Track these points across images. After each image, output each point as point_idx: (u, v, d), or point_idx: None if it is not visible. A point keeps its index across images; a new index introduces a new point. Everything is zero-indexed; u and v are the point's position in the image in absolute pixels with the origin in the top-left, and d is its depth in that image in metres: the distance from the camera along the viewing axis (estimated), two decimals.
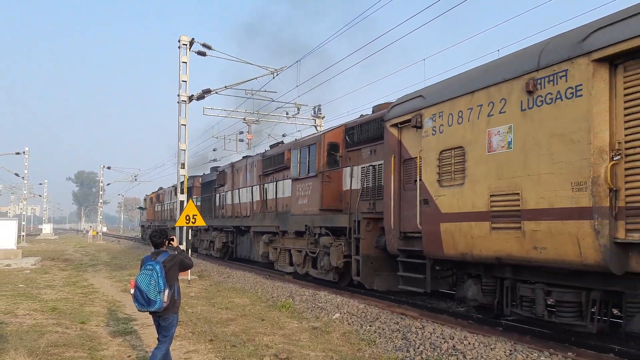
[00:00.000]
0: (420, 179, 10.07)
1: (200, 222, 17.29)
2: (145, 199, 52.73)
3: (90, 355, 7.51)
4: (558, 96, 7.22)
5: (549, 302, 8.02)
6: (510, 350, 7.20)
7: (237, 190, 22.80)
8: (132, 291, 5.77)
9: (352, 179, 13.79)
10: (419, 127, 10.10)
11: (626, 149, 6.61)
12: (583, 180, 6.77)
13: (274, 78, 21.17)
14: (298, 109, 28.15)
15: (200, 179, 30.48)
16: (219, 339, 8.54)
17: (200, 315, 10.68)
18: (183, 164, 19.07)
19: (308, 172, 15.26)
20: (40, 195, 78.20)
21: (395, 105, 11.29)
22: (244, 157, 24.02)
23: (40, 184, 77.44)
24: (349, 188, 13.79)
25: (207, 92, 20.30)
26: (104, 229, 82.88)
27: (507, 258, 8.09)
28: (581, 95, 6.89)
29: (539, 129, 7.47)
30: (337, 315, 10.45)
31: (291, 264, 16.84)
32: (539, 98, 7.52)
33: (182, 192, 19.10)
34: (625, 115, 6.61)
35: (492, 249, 8.25)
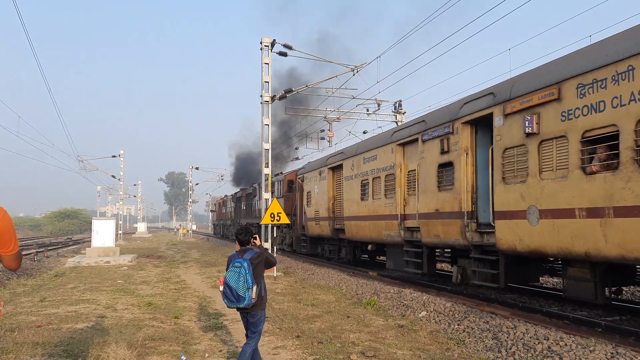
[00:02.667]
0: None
1: (285, 219, 17.57)
2: (215, 204, 67.03)
3: (184, 349, 7.80)
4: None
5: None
6: (612, 353, 6.74)
7: (257, 200, 36.49)
8: (221, 288, 5.90)
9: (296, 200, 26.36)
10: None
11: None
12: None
13: (354, 75, 21.12)
14: (378, 106, 27.96)
15: (245, 191, 43.21)
16: (305, 335, 8.61)
17: (287, 312, 10.83)
18: (267, 163, 19.44)
19: (279, 194, 29.61)
20: (134, 196, 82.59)
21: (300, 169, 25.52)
22: (274, 178, 32.79)
23: (135, 184, 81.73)
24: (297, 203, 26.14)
25: (289, 91, 20.56)
26: (194, 227, 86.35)
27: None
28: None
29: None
30: (424, 313, 10.26)
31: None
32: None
33: (266, 191, 19.47)
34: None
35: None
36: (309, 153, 32.22)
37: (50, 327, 9.15)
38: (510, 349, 7.46)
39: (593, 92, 8.30)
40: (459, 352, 7.57)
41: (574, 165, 8.64)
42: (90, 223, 28.35)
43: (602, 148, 8.25)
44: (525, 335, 7.97)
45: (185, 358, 7.16)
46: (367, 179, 17.48)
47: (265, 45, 19.15)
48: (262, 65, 19.18)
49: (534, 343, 7.50)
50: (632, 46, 7.74)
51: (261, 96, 19.33)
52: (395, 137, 15.44)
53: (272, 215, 17.28)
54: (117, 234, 38.12)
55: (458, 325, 9.17)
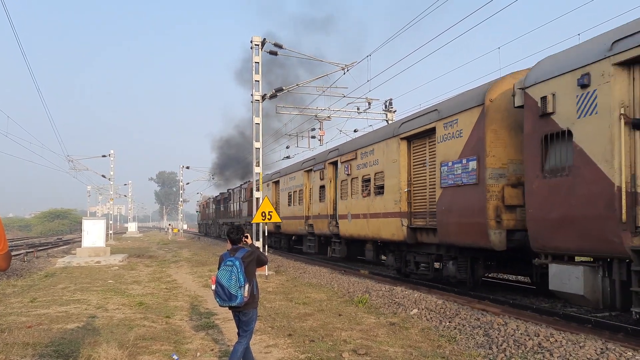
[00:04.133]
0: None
1: (276, 218, 17.57)
2: (200, 205, 76.80)
3: (175, 348, 7.79)
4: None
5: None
6: (602, 349, 6.81)
7: (233, 203, 45.36)
8: (213, 287, 5.90)
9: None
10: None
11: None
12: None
13: (344, 74, 21.11)
14: (369, 104, 27.99)
15: (223, 195, 52.75)
16: (297, 334, 8.62)
17: (279, 310, 10.84)
18: (258, 162, 19.41)
19: (244, 199, 37.95)
20: (125, 195, 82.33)
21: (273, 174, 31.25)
22: (235, 188, 45.73)
23: (125, 184, 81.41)
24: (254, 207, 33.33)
25: (280, 90, 20.53)
26: (185, 227, 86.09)
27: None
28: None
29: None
30: (415, 311, 10.30)
31: None
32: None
33: (257, 190, 19.45)
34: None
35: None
36: (299, 152, 32.16)
37: (40, 327, 9.10)
38: (501, 345, 7.51)
39: (366, 156, 17.29)
40: (450, 349, 7.61)
41: (359, 192, 17.73)
42: (81, 223, 28.24)
43: (366, 184, 17.19)
44: (516, 331, 8.02)
45: (177, 357, 7.15)
46: (291, 192, 26.28)
47: (255, 44, 19.09)
48: (252, 64, 19.13)
49: (525, 339, 7.55)
50: (373, 138, 17.11)
51: (252, 95, 19.29)
52: (303, 166, 24.36)
53: (264, 214, 17.27)
54: (107, 234, 37.93)
55: (449, 322, 9.22)
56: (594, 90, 8.29)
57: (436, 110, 13.05)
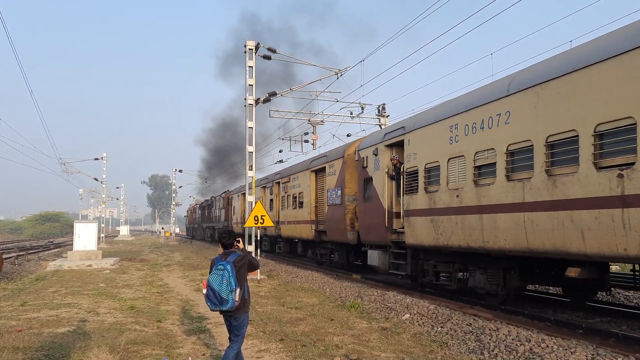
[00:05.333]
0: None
1: (268, 222, 17.56)
2: (188, 211, 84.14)
3: (167, 352, 7.75)
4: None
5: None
6: (593, 355, 6.83)
7: (215, 209, 51.73)
8: (204, 291, 5.88)
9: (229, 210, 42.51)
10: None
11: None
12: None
13: (337, 79, 21.16)
14: (362, 109, 28.04)
15: (207, 202, 58.79)
16: (289, 339, 8.60)
17: (271, 315, 10.82)
18: (251, 166, 19.39)
19: (221, 206, 46.46)
20: (117, 199, 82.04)
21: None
22: (216, 196, 52.12)
23: (118, 187, 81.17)
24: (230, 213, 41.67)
25: (273, 94, 20.55)
26: (177, 230, 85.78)
27: None
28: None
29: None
30: (407, 316, 10.31)
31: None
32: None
33: (250, 193, 19.42)
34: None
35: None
36: (292, 156, 32.15)
37: (31, 331, 9.04)
38: (493, 350, 7.53)
39: (295, 180, 24.48)
40: (442, 354, 7.62)
41: (290, 205, 24.60)
42: (72, 226, 28.04)
43: (294, 200, 24.54)
44: (508, 337, 8.04)
45: None
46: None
47: (249, 49, 19.11)
48: (246, 69, 19.14)
49: (516, 345, 7.58)
50: (298, 168, 24.44)
51: (245, 99, 19.29)
52: (261, 182, 30.63)
53: (256, 218, 17.25)
54: (99, 237, 37.72)
55: (441, 327, 9.23)
56: (379, 157, 15.44)
57: (326, 155, 21.13)
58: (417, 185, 13.04)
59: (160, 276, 19.18)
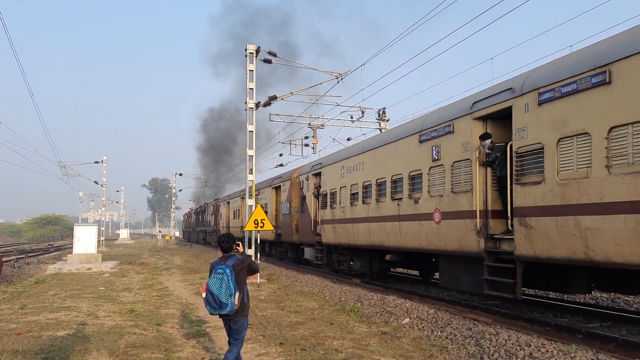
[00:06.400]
0: None
1: (268, 226, 17.56)
2: (184, 215, 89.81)
3: (166, 356, 7.75)
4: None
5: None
6: (593, 359, 6.83)
7: (207, 214, 57.13)
8: (203, 295, 5.88)
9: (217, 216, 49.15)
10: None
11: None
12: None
13: (338, 83, 21.19)
14: (362, 113, 28.07)
15: (200, 208, 65.68)
16: (289, 343, 8.59)
17: (270, 319, 10.80)
18: (251, 170, 19.40)
19: (212, 212, 52.90)
20: (117, 202, 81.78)
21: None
22: (208, 202, 58.46)
23: (118, 191, 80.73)
24: (218, 218, 48.17)
25: (274, 98, 20.57)
26: (177, 234, 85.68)
27: None
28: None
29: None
30: (407, 320, 10.29)
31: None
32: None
33: (250, 197, 19.42)
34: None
35: None
36: (293, 159, 32.15)
37: (30, 334, 9.03)
38: (493, 355, 7.52)
39: (263, 193, 30.00)
40: (441, 358, 7.62)
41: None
42: (72, 229, 28.01)
43: (264, 209, 26.72)
44: (508, 341, 8.04)
45: None
46: (235, 210, 38.34)
47: (249, 53, 19.14)
48: (246, 73, 19.17)
49: (516, 349, 7.57)
50: (265, 184, 29.92)
51: (246, 103, 19.31)
52: (241, 194, 33.34)
53: (256, 222, 17.24)
54: (99, 241, 37.72)
55: (441, 332, 9.22)
56: (309, 182, 21.29)
57: (281, 177, 26.85)
58: (326, 203, 19.09)
59: (160, 280, 19.16)
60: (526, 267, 9.57)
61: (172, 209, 74.54)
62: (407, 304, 11.65)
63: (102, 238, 51.36)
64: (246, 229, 18.11)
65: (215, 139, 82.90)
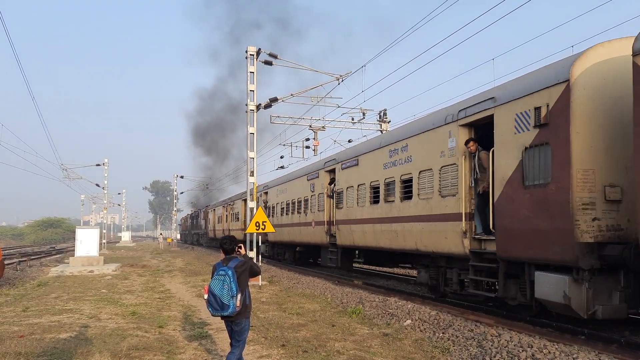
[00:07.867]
0: None
1: (270, 228, 17.57)
2: (182, 219, 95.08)
3: (168, 358, 7.76)
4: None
5: None
6: None
7: (199, 219, 64.28)
8: (205, 297, 5.90)
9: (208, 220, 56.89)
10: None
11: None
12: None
13: (339, 84, 21.21)
14: (363, 114, 28.07)
15: (195, 213, 72.63)
16: (290, 344, 8.60)
17: (272, 321, 10.81)
18: (252, 172, 19.43)
19: (204, 217, 60.28)
20: (119, 205, 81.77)
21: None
22: (201, 208, 66.35)
23: (119, 193, 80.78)
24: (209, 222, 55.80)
25: (274, 100, 20.60)
26: (178, 236, 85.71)
27: None
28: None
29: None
30: (409, 321, 10.30)
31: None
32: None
33: (251, 199, 19.44)
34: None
35: None
36: (294, 162, 32.15)
37: (33, 337, 9.04)
38: (495, 357, 7.52)
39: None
40: None
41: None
42: (74, 232, 28.03)
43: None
44: (510, 343, 8.04)
45: None
46: (234, 212, 39.85)
47: (250, 54, 19.17)
48: (247, 74, 19.20)
49: (518, 351, 7.57)
50: (239, 197, 37.89)
51: (246, 105, 19.34)
52: (243, 197, 33.81)
53: (257, 224, 17.25)
54: (101, 243, 37.71)
55: (443, 333, 9.22)
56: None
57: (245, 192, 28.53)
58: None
59: (162, 282, 19.17)
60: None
61: (173, 212, 74.62)
62: (409, 306, 11.65)
63: (104, 241, 51.38)
64: (247, 231, 18.13)
65: (210, 125, 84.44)
